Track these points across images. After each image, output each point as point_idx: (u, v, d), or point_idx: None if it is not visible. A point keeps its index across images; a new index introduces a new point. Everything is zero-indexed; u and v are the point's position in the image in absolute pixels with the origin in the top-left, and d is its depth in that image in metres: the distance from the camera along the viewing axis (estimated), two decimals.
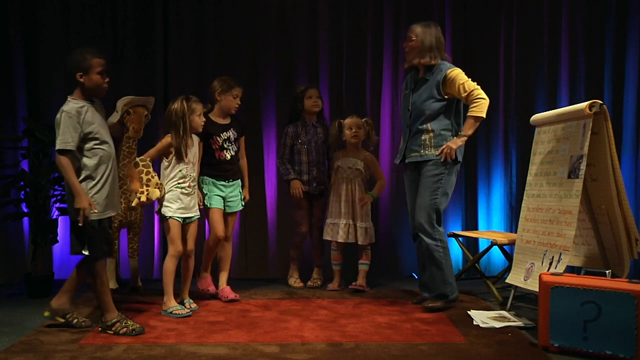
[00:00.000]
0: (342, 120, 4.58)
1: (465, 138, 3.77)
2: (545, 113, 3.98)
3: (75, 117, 3.23)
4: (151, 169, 3.78)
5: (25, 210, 4.52)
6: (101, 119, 3.39)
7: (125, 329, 3.32)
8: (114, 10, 5.01)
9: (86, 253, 3.28)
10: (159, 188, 3.77)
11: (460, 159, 3.87)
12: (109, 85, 3.40)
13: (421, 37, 3.83)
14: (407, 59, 3.95)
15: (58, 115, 3.25)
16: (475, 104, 3.70)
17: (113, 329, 3.33)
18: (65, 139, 3.20)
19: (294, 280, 4.73)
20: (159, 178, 3.84)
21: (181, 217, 3.87)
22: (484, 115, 3.73)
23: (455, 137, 3.80)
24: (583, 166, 3.40)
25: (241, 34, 5.11)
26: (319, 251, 4.78)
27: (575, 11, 5.02)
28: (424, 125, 3.84)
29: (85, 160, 3.28)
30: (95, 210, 3.25)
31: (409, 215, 4.09)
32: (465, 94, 3.73)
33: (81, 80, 3.28)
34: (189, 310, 3.80)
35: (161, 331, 3.39)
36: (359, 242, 4.49)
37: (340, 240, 4.49)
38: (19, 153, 4.60)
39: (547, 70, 5.05)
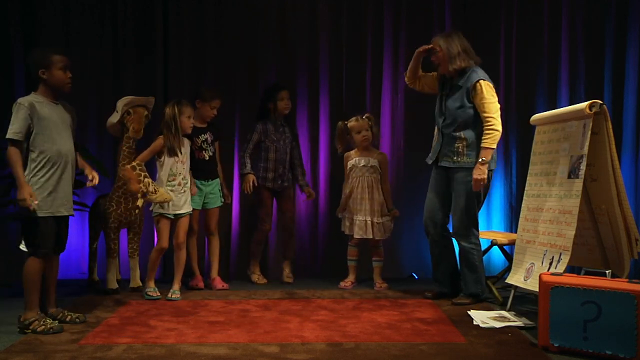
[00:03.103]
0: (345, 122, 4.61)
1: (487, 164, 3.86)
2: (545, 113, 3.99)
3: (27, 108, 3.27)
4: (145, 172, 4.07)
5: None
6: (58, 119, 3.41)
7: (43, 327, 3.33)
8: (114, 10, 5.01)
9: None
10: (154, 187, 4.05)
11: (493, 167, 4.00)
12: (72, 82, 3.42)
13: (445, 46, 3.96)
14: (439, 70, 4.07)
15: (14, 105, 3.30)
16: (488, 135, 3.84)
17: (31, 327, 3.35)
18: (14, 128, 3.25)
19: (257, 277, 4.79)
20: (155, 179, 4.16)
21: (172, 214, 4.20)
22: (494, 146, 3.86)
23: (478, 165, 3.84)
24: (583, 166, 3.40)
25: (241, 34, 5.11)
26: (291, 245, 4.90)
27: (575, 11, 5.02)
28: (458, 133, 3.96)
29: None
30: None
31: (425, 210, 4.20)
32: (485, 114, 3.85)
33: (43, 76, 3.32)
34: (159, 295, 4.16)
35: (161, 331, 3.39)
36: (377, 237, 4.56)
37: (356, 236, 4.56)
38: None
39: (547, 70, 5.05)
